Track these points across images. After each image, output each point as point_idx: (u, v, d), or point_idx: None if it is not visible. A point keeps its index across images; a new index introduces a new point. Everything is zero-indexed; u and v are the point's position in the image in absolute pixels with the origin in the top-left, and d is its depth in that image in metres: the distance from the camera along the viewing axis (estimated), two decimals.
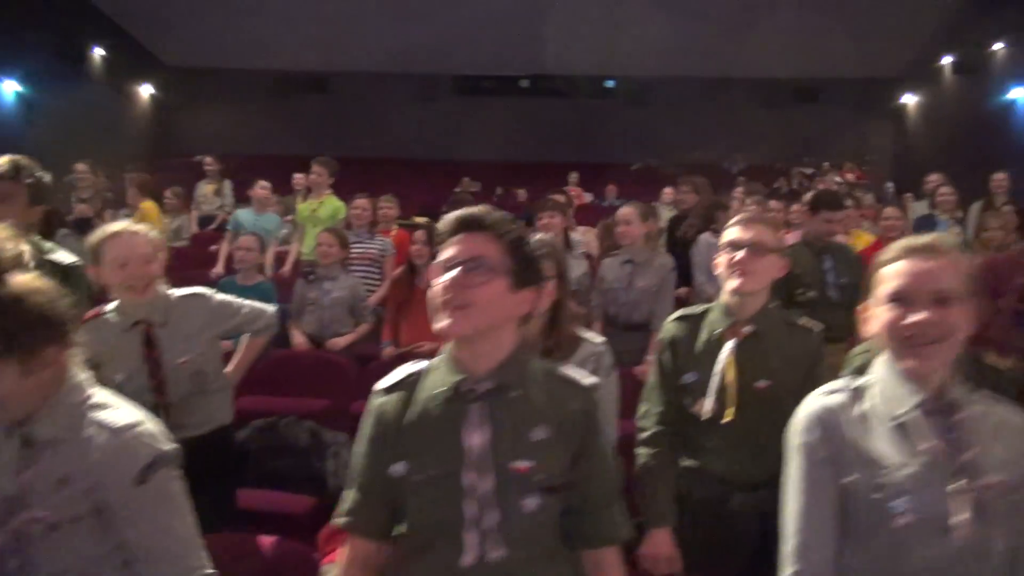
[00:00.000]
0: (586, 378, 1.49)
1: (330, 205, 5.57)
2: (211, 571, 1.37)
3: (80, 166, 6.17)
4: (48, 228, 4.11)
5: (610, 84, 16.69)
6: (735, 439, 2.01)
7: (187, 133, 16.70)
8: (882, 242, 4.69)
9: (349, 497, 1.41)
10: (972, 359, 2.17)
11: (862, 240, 5.27)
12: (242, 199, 8.79)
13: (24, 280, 1.33)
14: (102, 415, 1.37)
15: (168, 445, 1.40)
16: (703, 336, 2.08)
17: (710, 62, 15.11)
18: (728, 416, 1.99)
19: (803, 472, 1.34)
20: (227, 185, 8.43)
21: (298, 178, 7.41)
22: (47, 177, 2.63)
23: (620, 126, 16.14)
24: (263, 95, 16.44)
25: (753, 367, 2.00)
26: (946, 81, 13.46)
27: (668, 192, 9.29)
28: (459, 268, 1.35)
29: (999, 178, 6.94)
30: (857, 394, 1.39)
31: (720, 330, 2.07)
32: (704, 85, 15.99)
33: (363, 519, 1.39)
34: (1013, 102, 10.96)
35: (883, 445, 1.32)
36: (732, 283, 2.02)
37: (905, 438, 1.31)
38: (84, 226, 5.67)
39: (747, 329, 2.01)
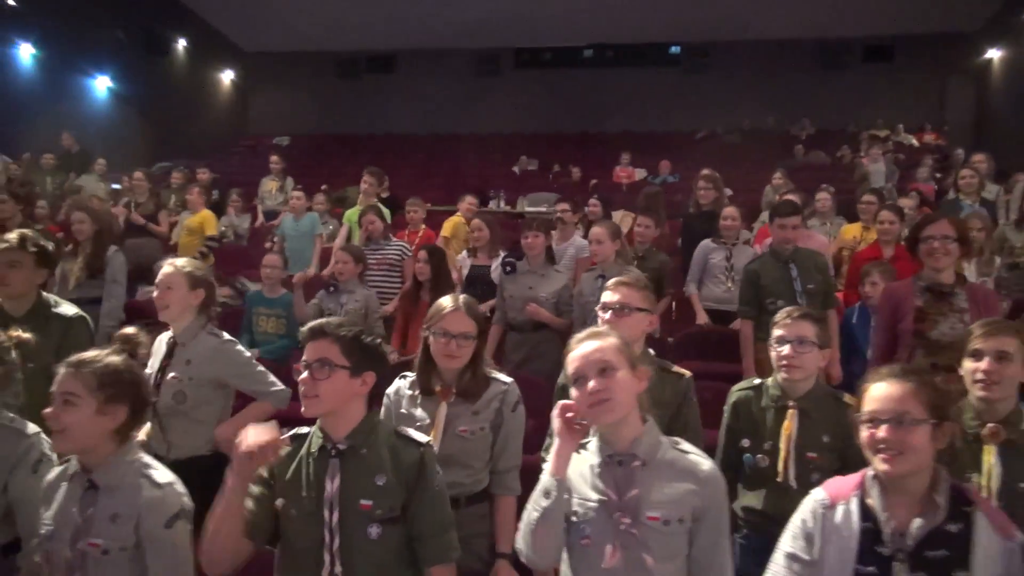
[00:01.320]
0: (421, 437, 1.91)
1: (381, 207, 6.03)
2: None
3: (137, 174, 6.79)
4: (99, 246, 4.66)
5: (675, 51, 16.44)
6: None
7: (263, 114, 17.57)
8: (879, 244, 4.75)
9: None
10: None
11: (868, 238, 5.29)
12: (310, 182, 9.35)
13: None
14: (149, 471, 1.88)
15: (189, 501, 1.89)
16: None
17: (775, 24, 14.69)
18: None
19: None
20: (289, 182, 9.02)
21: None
22: (51, 244, 3.12)
23: (684, 94, 15.94)
24: (332, 75, 17.03)
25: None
26: None
27: (778, 177, 9.08)
28: (308, 369, 1.76)
29: None
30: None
31: None
32: (770, 48, 15.55)
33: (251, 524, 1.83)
34: None
35: (582, 482, 1.70)
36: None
37: (595, 479, 1.68)
38: (140, 230, 6.37)
39: None
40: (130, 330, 2.18)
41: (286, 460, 1.85)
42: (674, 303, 5.24)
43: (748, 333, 3.93)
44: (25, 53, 11.62)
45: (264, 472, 1.85)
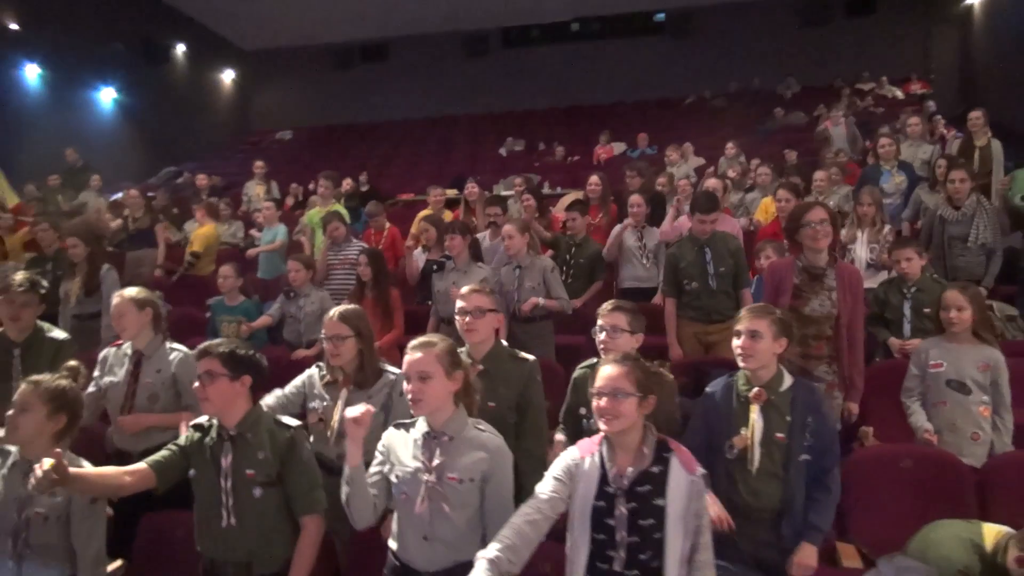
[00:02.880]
0: (292, 422, 2.49)
1: (340, 209, 6.56)
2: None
3: (132, 191, 7.35)
4: (93, 267, 5.27)
5: (660, 18, 16.64)
6: None
7: (265, 111, 18.14)
8: (778, 220, 5.15)
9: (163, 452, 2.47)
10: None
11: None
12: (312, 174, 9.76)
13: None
14: (78, 461, 2.45)
15: None
16: None
17: None
18: None
19: None
20: (274, 186, 9.58)
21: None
22: (44, 283, 3.74)
23: (670, 61, 16.15)
24: (329, 67, 17.52)
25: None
26: None
27: (732, 148, 9.53)
28: (199, 380, 2.35)
29: (974, 116, 6.89)
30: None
31: None
32: (752, 8, 15.68)
33: (162, 465, 2.42)
34: None
35: (406, 452, 2.28)
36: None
37: (416, 450, 2.25)
38: (139, 240, 6.99)
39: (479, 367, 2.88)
40: (73, 363, 2.76)
41: (196, 442, 2.45)
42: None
43: (671, 310, 4.38)
44: (31, 73, 12.28)
45: (181, 443, 2.46)
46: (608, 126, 13.13)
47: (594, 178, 5.93)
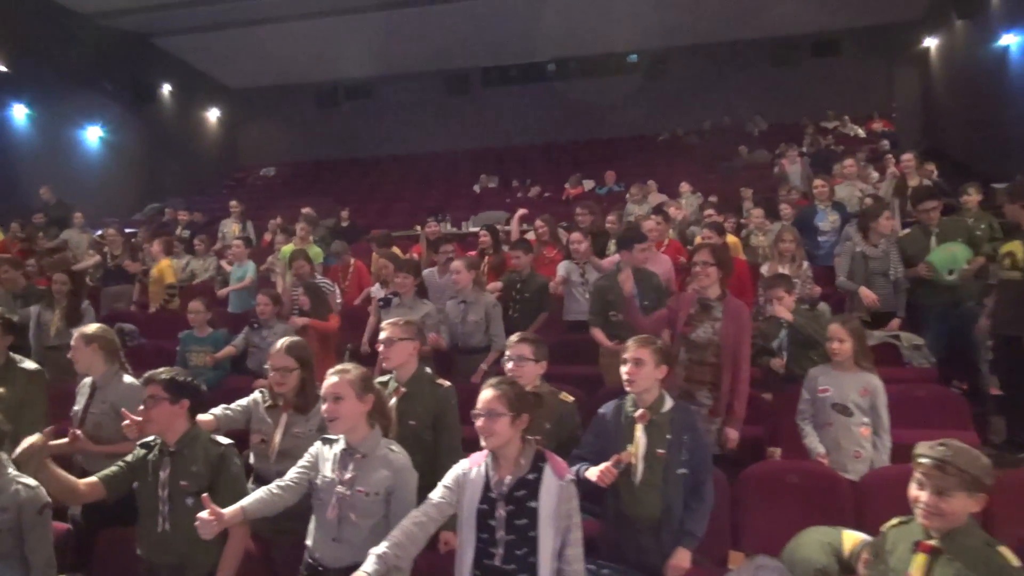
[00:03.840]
0: (224, 440, 2.82)
1: (311, 251, 6.96)
2: None
3: (110, 231, 7.69)
4: (75, 301, 5.61)
5: (633, 59, 17.24)
6: None
7: (250, 148, 18.62)
8: None
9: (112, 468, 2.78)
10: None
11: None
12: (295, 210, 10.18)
13: None
14: (22, 479, 2.77)
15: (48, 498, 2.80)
16: None
17: (725, 27, 15.44)
18: None
19: None
20: (249, 225, 9.96)
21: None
22: (16, 317, 4.08)
23: (644, 99, 16.67)
24: (313, 105, 18.00)
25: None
26: (956, 26, 13.28)
27: (685, 186, 9.99)
28: (144, 404, 2.69)
29: (906, 158, 7.38)
30: None
31: None
32: (723, 50, 16.28)
33: (110, 478, 2.75)
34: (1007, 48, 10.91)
35: (327, 463, 2.60)
36: None
37: (334, 463, 2.59)
38: (117, 276, 7.34)
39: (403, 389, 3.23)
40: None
41: (141, 458, 2.77)
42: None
43: (600, 337, 4.76)
44: (19, 113, 12.69)
45: (129, 459, 2.79)
46: (581, 163, 13.64)
47: (538, 221, 6.35)
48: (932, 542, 2.05)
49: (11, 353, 3.98)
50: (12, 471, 2.72)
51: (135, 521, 2.85)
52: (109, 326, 6.44)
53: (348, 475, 2.55)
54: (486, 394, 2.44)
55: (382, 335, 3.27)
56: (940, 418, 4.16)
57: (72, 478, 2.72)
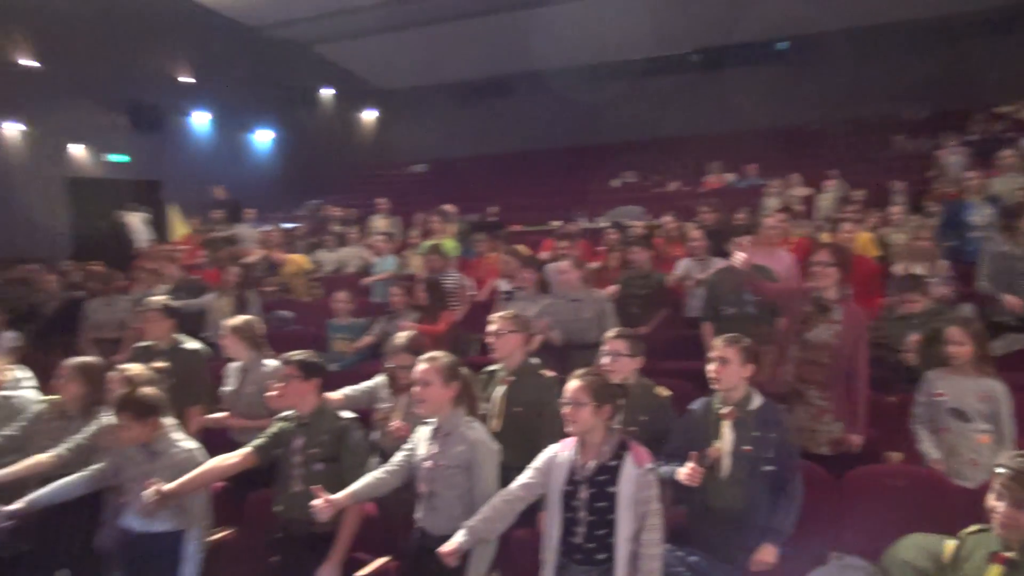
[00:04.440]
0: (348, 415, 3.16)
1: (447, 244, 7.42)
2: None
3: (271, 229, 8.48)
4: (242, 291, 6.30)
5: (783, 46, 16.63)
6: None
7: (402, 145, 19.57)
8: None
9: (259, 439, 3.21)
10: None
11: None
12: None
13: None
14: (181, 443, 3.23)
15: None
16: None
17: (883, 5, 14.58)
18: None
19: None
20: (397, 221, 10.61)
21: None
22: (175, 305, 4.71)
23: (792, 88, 15.99)
24: (459, 103, 18.69)
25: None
26: None
27: (830, 181, 9.68)
28: (280, 380, 3.08)
29: None
30: None
31: None
32: (880, 32, 15.30)
33: (259, 447, 3.17)
34: None
35: (423, 442, 2.89)
36: None
37: (426, 441, 2.87)
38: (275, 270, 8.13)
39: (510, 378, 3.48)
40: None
41: (281, 429, 3.19)
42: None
43: (708, 331, 4.78)
44: (202, 120, 14.15)
45: (273, 431, 3.21)
46: (722, 156, 13.34)
47: (667, 217, 6.40)
48: (1009, 554, 2.05)
49: (176, 335, 4.60)
50: (173, 435, 3.22)
51: (274, 484, 3.29)
52: (270, 314, 7.29)
53: (435, 451, 2.83)
54: (572, 384, 2.64)
55: (491, 327, 3.54)
56: None
57: (218, 465, 3.17)
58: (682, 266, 5.67)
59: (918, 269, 4.96)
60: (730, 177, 11.95)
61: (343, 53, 17.40)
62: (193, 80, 13.84)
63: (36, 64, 11.17)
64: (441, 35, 15.97)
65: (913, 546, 2.85)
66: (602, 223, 9.66)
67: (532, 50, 16.46)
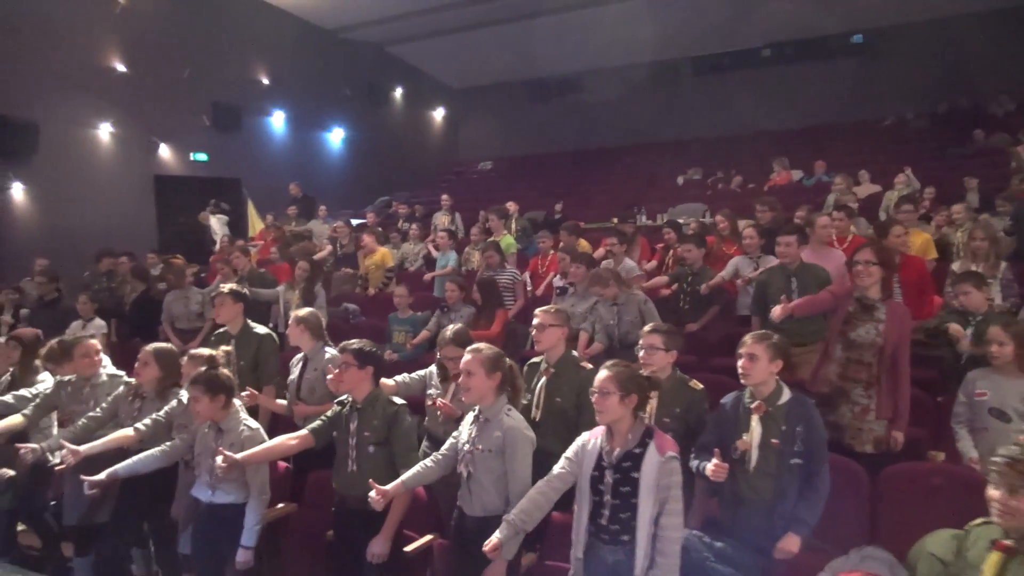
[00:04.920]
0: (400, 401, 3.37)
1: (505, 241, 7.63)
2: None
3: (339, 224, 8.82)
4: (310, 284, 6.63)
5: (857, 39, 16.21)
6: None
7: (469, 142, 19.92)
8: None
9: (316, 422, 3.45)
10: None
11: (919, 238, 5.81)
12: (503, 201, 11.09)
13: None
14: (247, 422, 3.53)
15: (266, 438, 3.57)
16: None
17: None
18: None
19: None
20: (457, 217, 10.88)
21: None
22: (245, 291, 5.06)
23: (866, 81, 15.62)
24: (525, 101, 18.90)
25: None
26: None
27: (901, 178, 9.48)
28: (337, 368, 3.33)
29: None
30: None
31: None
32: (959, 23, 14.74)
33: (316, 430, 3.41)
34: None
35: (466, 429, 3.08)
36: None
37: (470, 426, 3.06)
38: (345, 263, 8.47)
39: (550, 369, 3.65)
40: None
41: (338, 413, 3.43)
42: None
43: (757, 327, 4.87)
44: (278, 120, 14.75)
45: (329, 415, 3.45)
46: (790, 152, 13.13)
47: (719, 216, 6.44)
48: (1008, 542, 2.11)
49: (247, 320, 4.92)
50: (242, 414, 3.51)
51: (333, 464, 3.54)
52: (337, 306, 7.63)
53: (475, 435, 3.03)
54: (601, 375, 2.80)
55: (535, 320, 3.72)
56: None
57: (279, 444, 3.43)
58: (733, 264, 5.72)
59: (976, 268, 4.89)
60: (797, 174, 11.74)
61: (414, 53, 17.82)
62: (270, 81, 14.42)
63: (125, 69, 11.84)
64: (508, 35, 16.19)
65: (940, 540, 2.90)
66: (666, 219, 9.68)
67: (597, 48, 16.62)
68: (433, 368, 3.98)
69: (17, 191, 10.71)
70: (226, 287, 4.92)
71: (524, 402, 3.48)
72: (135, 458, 3.59)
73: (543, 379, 3.70)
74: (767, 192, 10.97)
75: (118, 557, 3.96)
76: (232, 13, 13.57)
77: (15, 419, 4.31)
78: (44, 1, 10.75)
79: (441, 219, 10.46)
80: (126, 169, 12.09)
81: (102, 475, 3.48)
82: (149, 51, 12.13)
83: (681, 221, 8.77)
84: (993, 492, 2.15)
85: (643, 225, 9.88)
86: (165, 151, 12.71)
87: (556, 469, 2.87)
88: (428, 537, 3.57)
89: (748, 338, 3.12)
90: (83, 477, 3.45)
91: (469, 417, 3.17)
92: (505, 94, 19.11)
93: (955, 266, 5.19)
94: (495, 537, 2.76)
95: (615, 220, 9.33)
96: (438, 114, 19.49)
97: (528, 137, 18.74)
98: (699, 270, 5.81)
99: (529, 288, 7.13)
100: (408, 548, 3.43)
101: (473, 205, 12.69)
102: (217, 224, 11.79)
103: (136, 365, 4.05)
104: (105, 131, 11.74)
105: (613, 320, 5.10)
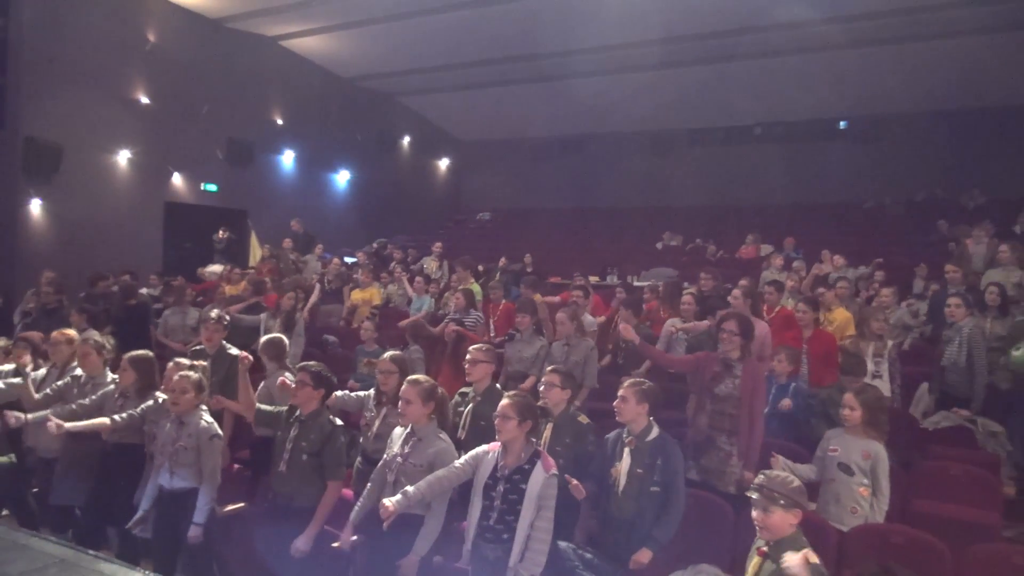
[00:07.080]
0: (338, 421, 3.97)
1: (474, 288, 8.30)
2: None
3: (335, 261, 9.53)
4: (292, 313, 7.33)
5: (842, 126, 17.11)
6: None
7: (472, 193, 20.76)
8: None
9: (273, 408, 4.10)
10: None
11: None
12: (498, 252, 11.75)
13: None
14: (206, 417, 4.15)
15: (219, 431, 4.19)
16: None
17: (947, 94, 14.95)
18: None
19: None
20: (445, 264, 11.59)
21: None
22: (227, 318, 5.73)
23: (851, 166, 16.45)
24: (528, 158, 19.79)
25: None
26: None
27: (839, 259, 10.25)
28: (295, 383, 3.97)
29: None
30: None
31: None
32: (942, 118, 15.63)
33: (265, 412, 4.04)
34: None
35: (397, 442, 3.70)
36: None
37: (400, 442, 3.69)
38: (332, 297, 9.16)
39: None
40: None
41: (286, 416, 4.04)
42: None
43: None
44: (288, 158, 15.61)
45: (283, 410, 4.07)
46: (766, 227, 13.86)
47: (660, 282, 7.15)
48: (765, 548, 2.73)
49: (224, 342, 5.59)
50: (203, 410, 4.14)
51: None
52: (318, 337, 8.28)
53: (407, 451, 3.65)
54: (503, 402, 3.44)
55: (468, 356, 4.38)
56: (969, 496, 4.43)
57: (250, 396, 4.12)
58: (670, 324, 6.37)
59: (869, 347, 5.53)
60: (767, 248, 12.42)
61: (425, 105, 18.82)
62: (284, 122, 15.32)
63: (148, 101, 12.73)
64: (516, 95, 17.14)
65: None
66: (638, 281, 10.35)
67: (597, 114, 17.55)
68: (371, 392, 4.60)
69: (35, 207, 11.49)
70: (215, 313, 5.61)
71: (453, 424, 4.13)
72: (87, 421, 4.37)
73: (471, 404, 4.34)
74: (734, 262, 11.66)
75: (93, 535, 4.56)
76: (256, 56, 14.53)
77: (103, 421, 4.58)
78: (81, 35, 11.70)
79: (430, 264, 11.14)
80: (139, 194, 12.89)
81: (62, 422, 4.19)
82: (173, 86, 13.05)
83: (647, 284, 9.46)
84: (753, 513, 2.76)
85: (611, 284, 10.54)
86: (178, 179, 13.53)
87: (455, 464, 3.49)
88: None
89: (624, 382, 3.76)
90: (49, 415, 4.26)
91: (400, 431, 3.79)
92: (509, 149, 20.01)
93: (846, 342, 5.83)
94: (392, 500, 3.30)
95: (578, 277, 10.04)
96: (443, 163, 20.38)
97: (527, 192, 19.57)
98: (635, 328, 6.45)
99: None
100: (333, 544, 4.01)
101: (464, 252, 13.38)
102: (219, 247, 12.65)
103: (119, 370, 4.71)
104: (123, 157, 12.56)
105: (562, 358, 5.74)
